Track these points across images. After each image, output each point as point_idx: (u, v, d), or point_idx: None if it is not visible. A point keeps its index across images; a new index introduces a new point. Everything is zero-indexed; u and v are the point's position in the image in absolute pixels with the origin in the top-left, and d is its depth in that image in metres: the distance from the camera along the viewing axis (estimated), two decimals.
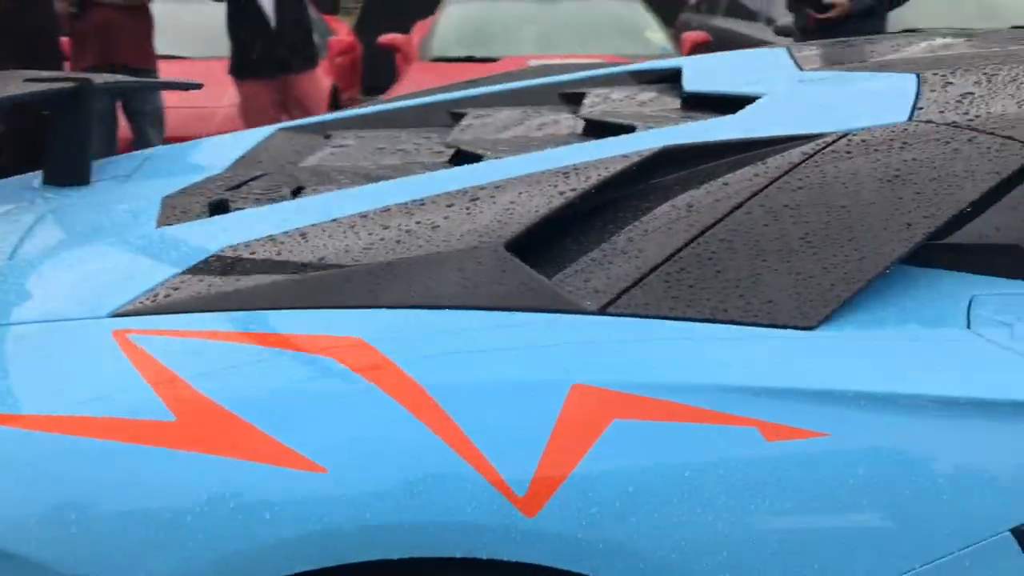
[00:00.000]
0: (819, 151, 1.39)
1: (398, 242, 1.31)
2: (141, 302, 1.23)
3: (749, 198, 1.31)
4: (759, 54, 2.28)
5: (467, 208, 1.36)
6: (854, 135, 1.41)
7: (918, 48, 2.08)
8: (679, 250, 1.25)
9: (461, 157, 1.75)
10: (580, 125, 1.92)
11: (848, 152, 1.38)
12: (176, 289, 1.25)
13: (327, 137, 2.11)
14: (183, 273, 1.28)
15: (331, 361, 1.15)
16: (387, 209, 1.38)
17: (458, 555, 1.10)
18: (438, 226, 1.32)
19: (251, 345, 1.18)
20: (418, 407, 1.10)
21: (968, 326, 1.23)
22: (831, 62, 2.04)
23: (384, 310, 1.20)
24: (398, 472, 1.08)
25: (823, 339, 1.18)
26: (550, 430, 1.11)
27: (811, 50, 2.18)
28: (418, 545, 1.09)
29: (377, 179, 1.62)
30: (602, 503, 1.10)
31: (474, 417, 1.11)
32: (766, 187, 1.32)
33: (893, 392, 1.15)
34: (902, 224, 1.26)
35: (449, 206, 1.37)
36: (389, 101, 2.43)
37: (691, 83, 1.98)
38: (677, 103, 1.98)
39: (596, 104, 2.03)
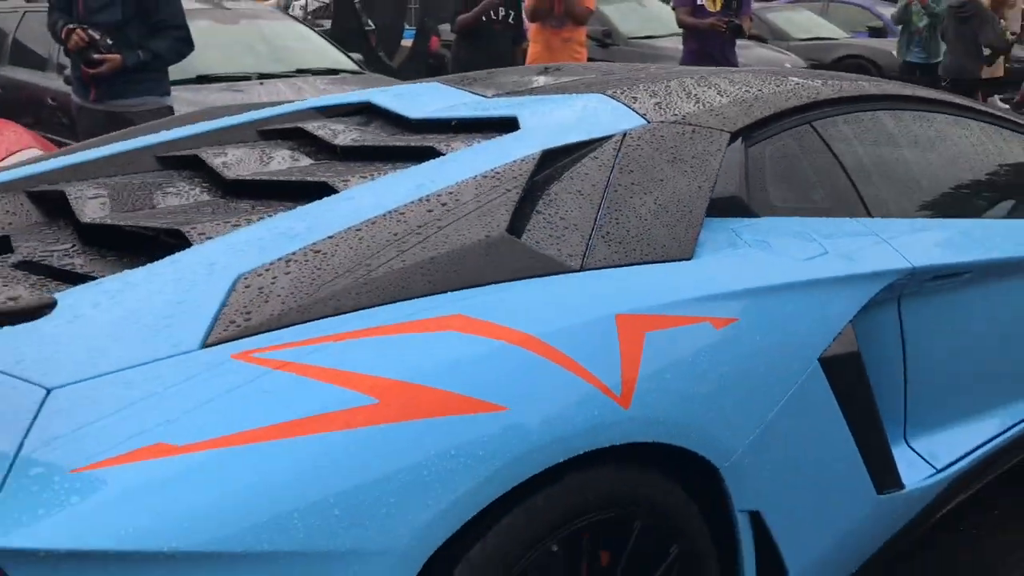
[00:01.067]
0: (622, 145, 1.90)
1: (415, 245, 1.56)
2: (225, 330, 1.35)
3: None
4: (425, 88, 2.60)
5: (440, 213, 1.65)
6: (631, 133, 1.94)
7: (549, 78, 2.67)
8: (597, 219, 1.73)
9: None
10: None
11: (637, 145, 1.91)
12: (247, 314, 1.38)
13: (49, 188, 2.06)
14: (230, 304, 1.40)
15: (456, 333, 1.43)
16: (374, 221, 1.60)
17: (584, 451, 1.44)
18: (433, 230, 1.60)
19: (384, 336, 1.41)
20: (541, 349, 1.45)
21: None
22: (505, 90, 2.46)
23: (448, 293, 1.50)
24: (547, 399, 1.42)
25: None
26: (618, 343, 1.51)
27: (466, 82, 2.61)
28: (570, 448, 1.43)
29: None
30: (658, 389, 1.53)
31: (576, 349, 1.48)
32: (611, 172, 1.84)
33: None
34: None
35: (429, 211, 1.65)
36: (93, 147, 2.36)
37: (409, 111, 2.31)
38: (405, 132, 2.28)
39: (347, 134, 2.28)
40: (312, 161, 2.21)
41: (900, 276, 2.04)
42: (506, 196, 1.70)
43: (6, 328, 1.37)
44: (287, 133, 2.40)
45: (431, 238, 1.57)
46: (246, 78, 5.81)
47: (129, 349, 1.31)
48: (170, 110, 4.32)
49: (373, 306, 1.45)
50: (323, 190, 1.83)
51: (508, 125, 2.08)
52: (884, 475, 2.02)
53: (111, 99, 4.21)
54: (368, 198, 1.70)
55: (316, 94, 5.30)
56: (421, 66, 10.99)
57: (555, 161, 1.86)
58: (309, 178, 1.95)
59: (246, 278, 1.44)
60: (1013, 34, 9.79)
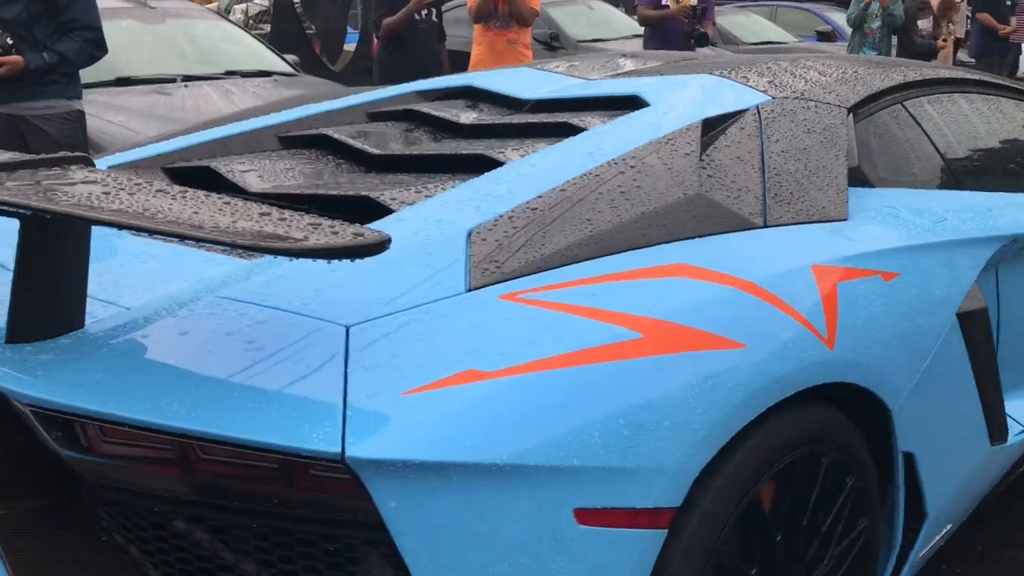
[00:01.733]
0: (760, 117, 2.04)
1: (624, 202, 1.68)
2: (482, 276, 1.45)
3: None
4: (521, 72, 2.70)
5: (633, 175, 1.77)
6: (764, 107, 2.08)
7: (638, 62, 2.76)
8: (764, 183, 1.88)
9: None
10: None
11: (773, 117, 2.06)
12: (496, 263, 1.49)
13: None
14: (474, 254, 1.51)
15: (683, 279, 1.56)
16: (574, 183, 1.71)
17: (801, 388, 1.57)
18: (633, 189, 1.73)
19: (624, 281, 1.53)
20: (761, 294, 1.58)
21: None
22: (606, 73, 2.60)
23: (662, 245, 1.63)
24: (774, 339, 1.55)
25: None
26: (818, 291, 1.65)
27: (557, 67, 2.74)
28: (793, 384, 1.55)
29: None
30: (852, 334, 1.67)
31: (789, 295, 1.61)
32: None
33: None
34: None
35: (621, 173, 1.77)
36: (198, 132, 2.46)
37: (520, 93, 2.45)
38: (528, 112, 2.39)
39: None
40: (441, 139, 2.31)
41: (1005, 242, 2.22)
42: (687, 159, 1.82)
43: (279, 271, 1.47)
44: (399, 115, 2.50)
45: (635, 196, 1.69)
46: (170, 80, 5.40)
47: (401, 292, 1.41)
48: (81, 114, 4.01)
49: (600, 256, 1.56)
50: (481, 163, 1.93)
51: (632, 103, 2.21)
52: (996, 428, 2.19)
53: (15, 102, 3.81)
54: (550, 165, 1.82)
55: (246, 97, 5.19)
56: (363, 70, 10.77)
57: (710, 131, 1.99)
58: (464, 151, 2.05)
59: (478, 232, 1.55)
60: (942, 38, 9.98)
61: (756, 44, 12.39)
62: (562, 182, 1.71)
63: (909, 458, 1.88)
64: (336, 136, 2.26)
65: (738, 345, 1.48)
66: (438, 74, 5.39)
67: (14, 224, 1.39)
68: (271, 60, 6.25)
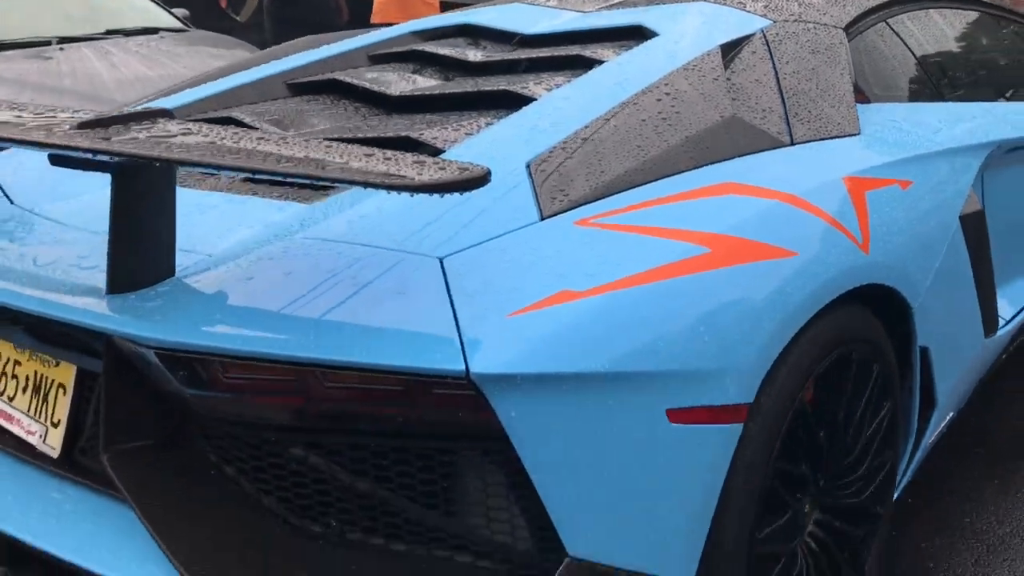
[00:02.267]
0: (767, 41, 2.15)
1: (667, 128, 1.80)
2: (551, 205, 1.56)
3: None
4: (516, 8, 2.71)
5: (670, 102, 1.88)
6: (768, 30, 2.18)
7: None
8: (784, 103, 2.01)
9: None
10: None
11: (779, 39, 2.18)
12: (562, 191, 1.59)
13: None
14: (537, 185, 1.60)
15: (734, 196, 1.70)
16: (616, 112, 1.81)
17: (844, 290, 1.72)
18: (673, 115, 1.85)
19: (683, 201, 1.66)
20: (804, 206, 1.72)
21: None
22: (600, 5, 2.63)
23: (708, 166, 1.76)
24: (820, 246, 1.69)
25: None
26: (851, 201, 1.80)
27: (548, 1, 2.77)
28: (838, 287, 1.70)
29: None
30: (882, 240, 1.82)
31: (827, 205, 1.75)
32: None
33: None
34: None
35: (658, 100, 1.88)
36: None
37: (521, 28, 2.49)
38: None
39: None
40: (453, 77, 2.37)
41: (991, 148, 2.38)
42: (716, 84, 1.93)
43: (357, 211, 1.55)
44: (403, 56, 2.54)
45: (676, 122, 1.79)
46: (45, 43, 4.92)
47: (478, 225, 1.51)
48: None
49: (653, 181, 1.67)
50: (505, 99, 2.02)
51: (637, 33, 2.29)
52: (989, 321, 2.37)
53: None
54: (585, 98, 1.90)
55: (129, 59, 4.84)
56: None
57: (726, 56, 2.10)
58: (486, 88, 2.13)
59: (536, 164, 1.64)
60: None
61: None
62: (603, 113, 1.80)
63: (924, 352, 2.05)
64: (348, 80, 2.31)
65: (792, 254, 1.60)
66: (338, 26, 5.24)
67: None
68: (157, 15, 5.80)
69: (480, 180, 1.26)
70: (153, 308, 1.42)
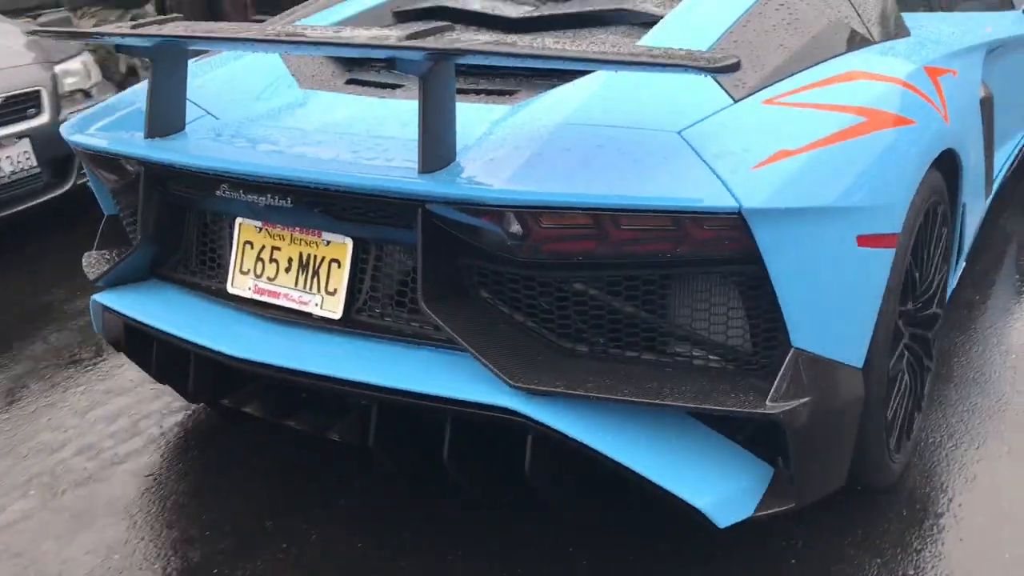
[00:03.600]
0: None
1: (799, 31, 2.27)
2: (736, 92, 2.00)
3: None
4: None
5: (787, 11, 2.33)
6: None
7: None
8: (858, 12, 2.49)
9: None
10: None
11: None
12: (741, 80, 2.02)
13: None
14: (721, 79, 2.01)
15: (860, 81, 2.20)
16: (750, 21, 2.26)
17: (938, 151, 2.25)
18: (796, 20, 2.30)
19: (832, 84, 2.14)
20: (911, 88, 2.25)
21: None
22: None
23: (834, 59, 2.25)
24: (928, 118, 2.24)
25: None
26: (932, 84, 2.33)
27: None
28: (938, 148, 2.25)
29: None
30: (953, 114, 2.34)
31: (924, 88, 2.26)
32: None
33: None
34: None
35: (777, 10, 2.32)
36: None
37: None
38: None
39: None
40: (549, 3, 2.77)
41: (986, 47, 2.96)
42: None
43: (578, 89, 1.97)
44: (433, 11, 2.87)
45: (800, 26, 2.27)
46: None
47: (687, 108, 1.94)
48: None
49: (799, 71, 2.14)
50: (627, 16, 2.45)
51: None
52: (988, 185, 2.97)
53: None
54: (713, 11, 2.35)
55: None
56: None
57: None
58: (609, 6, 2.54)
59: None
60: None
61: None
62: (739, 19, 2.25)
63: (963, 209, 2.62)
64: (457, 5, 2.68)
65: (913, 122, 2.12)
66: None
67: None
68: None
69: (735, 65, 1.69)
70: (470, 178, 1.81)
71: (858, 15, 2.47)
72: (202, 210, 2.31)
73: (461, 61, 1.83)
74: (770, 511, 1.93)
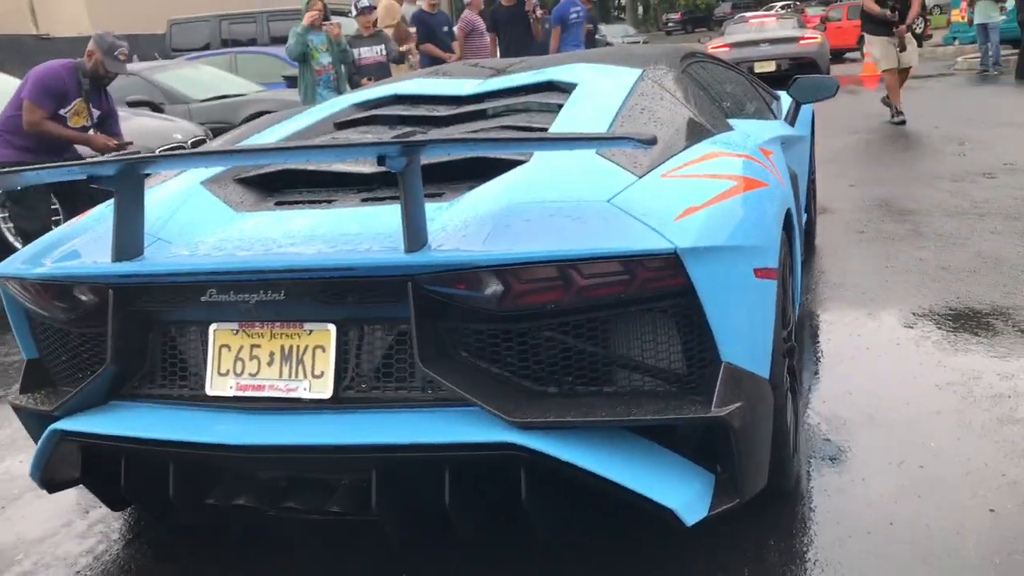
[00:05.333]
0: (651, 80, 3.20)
1: (666, 123, 2.83)
2: (634, 170, 2.49)
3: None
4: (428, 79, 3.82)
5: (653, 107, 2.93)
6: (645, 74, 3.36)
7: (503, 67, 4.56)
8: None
9: None
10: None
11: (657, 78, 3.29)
12: (636, 163, 2.54)
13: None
14: (621, 158, 2.56)
15: (724, 158, 2.71)
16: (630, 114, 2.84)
17: (786, 207, 2.85)
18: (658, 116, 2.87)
19: (705, 160, 2.66)
20: (754, 159, 2.82)
21: None
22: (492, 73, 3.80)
23: (696, 144, 2.70)
24: (773, 180, 2.84)
25: None
26: (766, 157, 2.96)
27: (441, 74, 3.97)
28: (785, 206, 2.92)
29: None
30: (782, 176, 3.17)
31: (762, 158, 2.75)
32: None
33: None
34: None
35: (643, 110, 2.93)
36: None
37: (455, 91, 3.56)
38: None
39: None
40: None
41: (779, 140, 3.67)
42: (662, 102, 2.97)
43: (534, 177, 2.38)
44: (370, 120, 3.38)
45: (663, 119, 2.81)
46: None
47: (601, 185, 2.39)
48: None
49: (676, 154, 2.64)
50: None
51: (552, 87, 3.33)
52: (802, 244, 3.62)
53: None
54: (590, 107, 2.88)
55: None
56: None
57: (639, 88, 3.15)
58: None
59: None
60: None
61: (209, 100, 11.38)
62: (618, 118, 2.77)
63: (796, 256, 3.22)
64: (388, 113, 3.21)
65: (768, 184, 2.68)
66: None
67: None
68: None
69: (655, 139, 2.15)
70: (451, 252, 2.14)
71: (698, 115, 3.06)
72: (171, 323, 2.47)
73: (431, 154, 2.18)
74: (720, 509, 2.29)
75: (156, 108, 10.50)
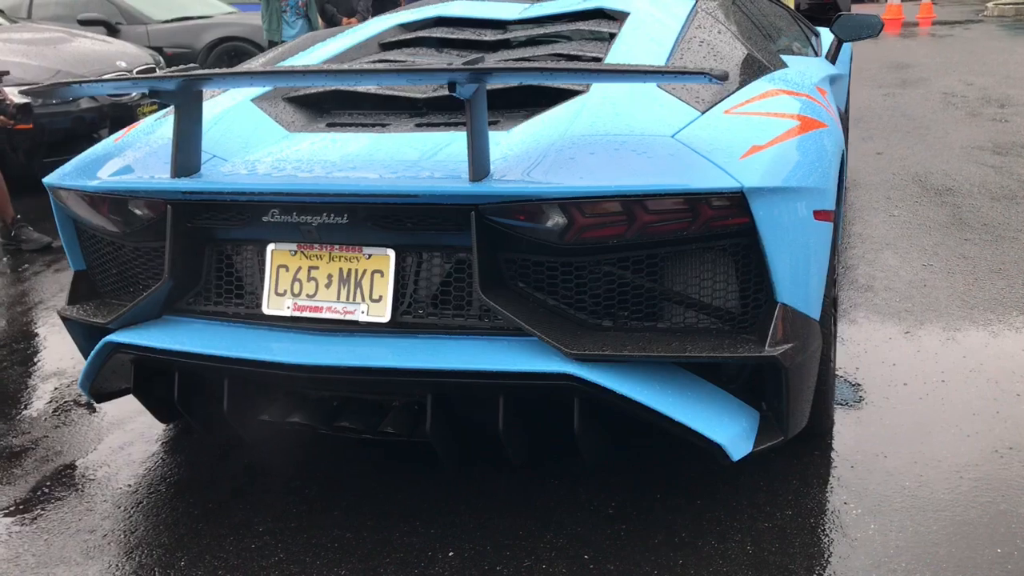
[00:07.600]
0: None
1: (729, 52, 2.80)
2: (697, 105, 2.45)
3: None
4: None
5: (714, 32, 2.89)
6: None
7: None
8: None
9: None
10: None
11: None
12: (698, 98, 2.53)
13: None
14: (685, 90, 2.55)
15: (783, 96, 2.69)
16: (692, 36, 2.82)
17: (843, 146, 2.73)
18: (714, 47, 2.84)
19: (768, 97, 2.64)
20: (813, 98, 2.75)
21: None
22: None
23: (759, 79, 2.70)
24: (832, 120, 2.81)
25: None
26: (825, 100, 2.90)
27: None
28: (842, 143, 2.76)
29: None
30: (837, 121, 3.18)
31: (820, 96, 2.65)
32: None
33: None
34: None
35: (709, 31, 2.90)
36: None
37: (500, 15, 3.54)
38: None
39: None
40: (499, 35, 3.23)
41: (828, 78, 3.63)
42: (719, 35, 2.93)
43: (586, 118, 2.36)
44: (417, 41, 3.34)
45: (723, 53, 2.77)
46: None
47: (667, 119, 2.37)
48: None
49: (736, 91, 2.62)
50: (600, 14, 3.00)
51: (601, 14, 3.28)
52: (843, 185, 3.61)
53: None
54: (646, 35, 2.84)
55: None
56: None
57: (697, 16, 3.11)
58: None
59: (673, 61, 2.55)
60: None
61: (168, 22, 10.33)
62: (676, 48, 2.74)
63: (844, 192, 3.21)
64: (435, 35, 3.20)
65: (827, 125, 2.65)
66: None
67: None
68: None
69: (727, 75, 2.13)
70: (515, 182, 2.13)
71: (754, 50, 3.02)
72: (227, 241, 2.48)
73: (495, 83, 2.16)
74: (764, 446, 2.33)
75: (112, 29, 9.56)
